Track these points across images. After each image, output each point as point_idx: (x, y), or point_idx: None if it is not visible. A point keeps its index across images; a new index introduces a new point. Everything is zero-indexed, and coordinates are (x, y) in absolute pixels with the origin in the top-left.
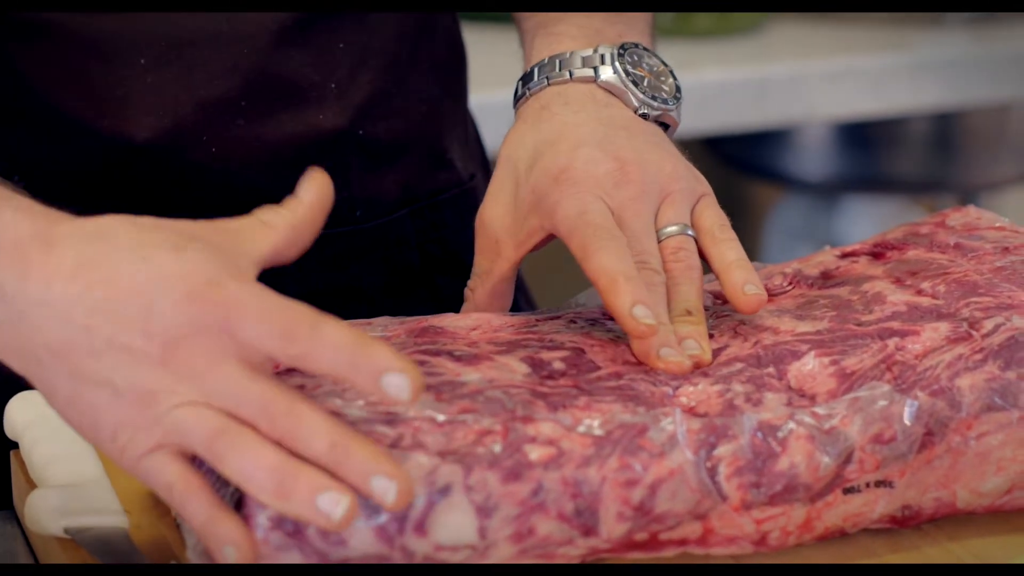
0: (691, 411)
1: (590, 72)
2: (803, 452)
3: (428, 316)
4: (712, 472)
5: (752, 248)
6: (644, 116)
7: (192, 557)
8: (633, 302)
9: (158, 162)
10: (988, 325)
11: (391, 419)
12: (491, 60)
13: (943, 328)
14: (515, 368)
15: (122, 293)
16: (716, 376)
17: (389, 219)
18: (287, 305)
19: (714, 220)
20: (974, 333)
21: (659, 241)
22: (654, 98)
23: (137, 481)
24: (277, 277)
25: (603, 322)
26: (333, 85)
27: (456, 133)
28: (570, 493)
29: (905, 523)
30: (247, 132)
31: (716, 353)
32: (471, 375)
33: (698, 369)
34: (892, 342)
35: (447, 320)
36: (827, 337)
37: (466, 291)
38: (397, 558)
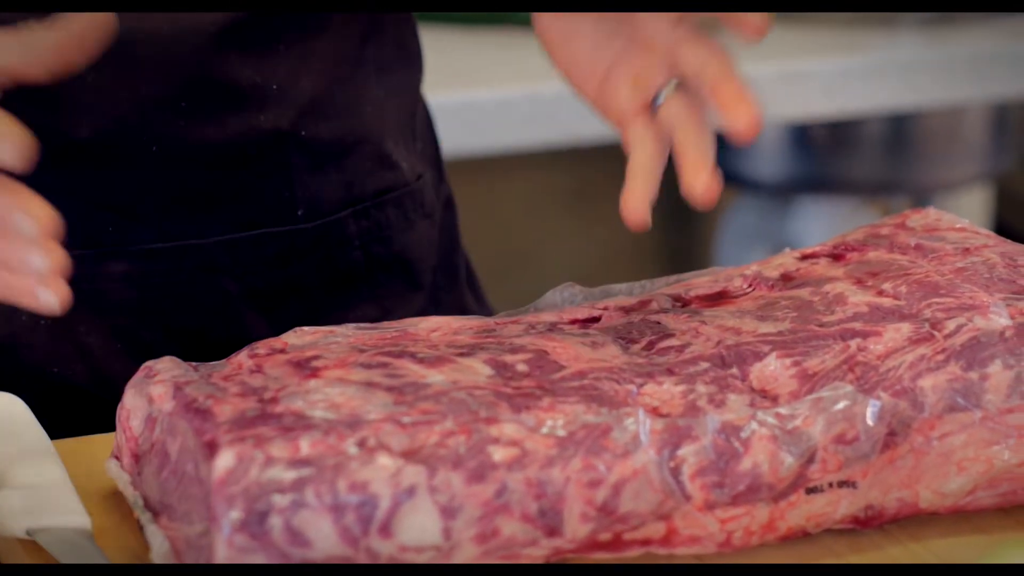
0: (654, 411)
1: None
2: (766, 452)
3: (386, 322)
4: (675, 472)
5: (706, 250)
6: None
7: (155, 560)
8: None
9: (100, 159)
10: (950, 326)
11: (354, 421)
12: (449, 61)
13: (905, 329)
14: (478, 370)
15: None
16: (681, 375)
17: (332, 219)
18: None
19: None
20: (936, 334)
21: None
22: None
23: (100, 483)
24: (215, 274)
25: (561, 327)
26: (274, 87)
27: (403, 134)
28: (534, 494)
29: (868, 523)
30: (188, 132)
31: (680, 351)
32: (434, 377)
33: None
34: (854, 343)
35: (406, 323)
36: (789, 338)
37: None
38: (362, 559)
